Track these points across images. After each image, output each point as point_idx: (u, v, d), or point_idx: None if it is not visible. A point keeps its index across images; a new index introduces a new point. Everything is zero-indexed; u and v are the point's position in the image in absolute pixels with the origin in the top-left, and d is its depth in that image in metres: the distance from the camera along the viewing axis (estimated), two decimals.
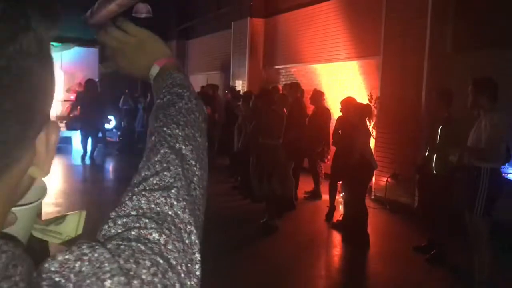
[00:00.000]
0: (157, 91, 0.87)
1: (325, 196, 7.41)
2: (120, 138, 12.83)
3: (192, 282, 0.58)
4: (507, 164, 5.08)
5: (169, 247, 0.57)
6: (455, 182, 4.50)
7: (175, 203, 0.63)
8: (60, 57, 14.02)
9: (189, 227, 0.62)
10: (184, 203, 0.64)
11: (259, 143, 6.06)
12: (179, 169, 0.68)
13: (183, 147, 0.73)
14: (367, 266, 5.15)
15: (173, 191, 0.64)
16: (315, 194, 7.64)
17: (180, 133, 0.75)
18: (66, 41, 13.78)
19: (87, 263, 0.49)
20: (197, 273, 0.60)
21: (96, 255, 0.50)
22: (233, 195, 7.70)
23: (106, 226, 0.59)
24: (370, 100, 7.65)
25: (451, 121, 4.77)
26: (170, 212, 0.62)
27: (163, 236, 0.58)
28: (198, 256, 0.61)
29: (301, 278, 4.67)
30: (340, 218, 6.13)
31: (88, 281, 0.48)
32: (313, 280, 4.64)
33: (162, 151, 0.71)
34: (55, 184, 8.11)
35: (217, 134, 9.90)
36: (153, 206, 0.61)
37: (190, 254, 0.60)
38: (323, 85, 9.21)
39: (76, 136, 11.14)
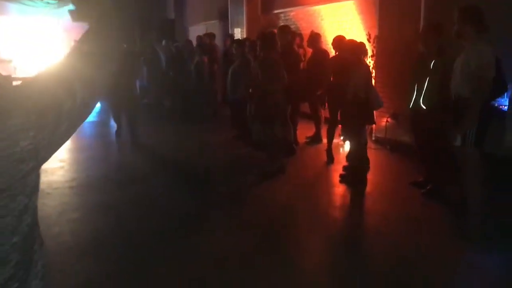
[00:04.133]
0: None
1: (326, 140, 7.45)
2: None
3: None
4: (503, 96, 5.04)
5: None
6: (446, 116, 4.44)
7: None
8: (58, 14, 13.80)
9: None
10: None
11: (259, 88, 6.01)
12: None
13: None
14: (366, 202, 5.22)
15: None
16: (316, 139, 7.66)
17: None
18: None
19: None
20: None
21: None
22: (235, 144, 7.74)
23: None
24: (368, 40, 7.50)
25: (442, 55, 4.68)
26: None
27: None
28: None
29: (303, 216, 4.76)
30: (343, 172, 6.06)
31: None
32: (314, 217, 4.72)
33: None
34: None
35: (218, 85, 9.85)
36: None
37: None
38: (323, 27, 9.03)
39: None
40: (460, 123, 4.02)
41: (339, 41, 5.70)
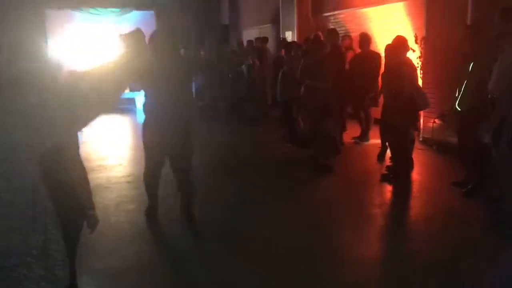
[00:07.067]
0: None
1: (373, 140, 7.56)
2: None
3: None
4: None
5: None
6: (482, 117, 4.46)
7: None
8: (119, 22, 14.60)
9: None
10: None
11: (311, 87, 6.24)
12: None
13: None
14: (406, 201, 5.31)
15: None
16: (362, 138, 7.77)
17: None
18: (124, 5, 14.37)
19: None
20: None
21: None
22: (282, 143, 8.00)
23: None
24: (416, 41, 7.53)
25: (481, 56, 4.71)
26: None
27: None
28: None
29: (343, 212, 4.96)
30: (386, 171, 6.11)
31: None
32: (353, 213, 4.88)
33: None
34: (120, 140, 8.84)
35: (268, 87, 10.15)
36: None
37: None
38: (372, 29, 9.11)
39: (139, 97, 11.80)
40: (489, 120, 4.08)
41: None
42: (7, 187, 1.25)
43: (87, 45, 14.22)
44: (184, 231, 4.43)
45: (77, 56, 14.12)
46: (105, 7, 14.40)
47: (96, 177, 6.18)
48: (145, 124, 4.40)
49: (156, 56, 3.97)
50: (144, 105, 4.40)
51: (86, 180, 2.75)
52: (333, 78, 6.26)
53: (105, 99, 1.44)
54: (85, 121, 1.44)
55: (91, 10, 14.23)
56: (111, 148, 7.95)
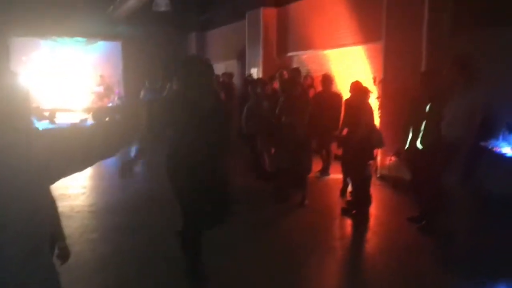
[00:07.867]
0: None
1: (333, 175, 7.84)
2: None
3: None
4: (493, 139, 5.40)
5: None
6: (438, 155, 4.80)
7: None
8: (85, 52, 14.69)
9: None
10: None
11: (291, 124, 6.48)
12: None
13: None
14: (364, 235, 5.53)
15: None
16: (323, 172, 8.03)
17: None
18: (90, 36, 14.45)
19: None
20: None
21: None
22: (246, 176, 8.13)
23: None
24: (374, 83, 7.97)
25: (437, 99, 5.09)
26: None
27: None
28: None
29: (304, 245, 5.11)
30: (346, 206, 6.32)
31: None
32: (315, 247, 5.06)
33: None
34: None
35: (234, 120, 10.34)
36: None
37: None
38: (332, 70, 9.55)
39: None
40: (450, 164, 4.41)
41: (351, 87, 6.18)
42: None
43: (53, 72, 14.17)
44: (150, 261, 4.47)
45: (42, 82, 14.04)
46: (71, 36, 14.45)
47: (59, 206, 6.06)
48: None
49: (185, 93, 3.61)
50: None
51: (56, 211, 2.66)
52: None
53: (88, 162, 1.54)
54: (57, 178, 1.50)
55: (57, 39, 14.24)
56: (73, 177, 7.86)
